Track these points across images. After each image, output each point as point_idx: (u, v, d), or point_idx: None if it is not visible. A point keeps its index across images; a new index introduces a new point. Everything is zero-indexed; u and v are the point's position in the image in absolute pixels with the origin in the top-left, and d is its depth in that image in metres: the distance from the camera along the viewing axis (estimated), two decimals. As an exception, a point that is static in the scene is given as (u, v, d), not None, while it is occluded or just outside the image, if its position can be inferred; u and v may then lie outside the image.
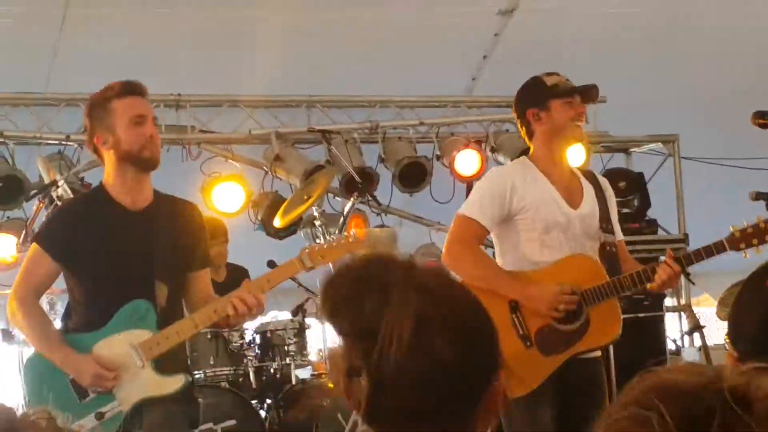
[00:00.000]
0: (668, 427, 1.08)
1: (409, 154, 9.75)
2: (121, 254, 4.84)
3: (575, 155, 9.63)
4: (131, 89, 4.96)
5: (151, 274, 4.81)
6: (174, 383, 4.78)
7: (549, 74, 5.38)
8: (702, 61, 9.72)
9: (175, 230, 4.92)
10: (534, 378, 5.09)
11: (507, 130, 10.14)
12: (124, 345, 4.72)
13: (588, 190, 5.42)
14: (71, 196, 7.77)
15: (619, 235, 5.52)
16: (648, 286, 5.22)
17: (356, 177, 9.02)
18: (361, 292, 1.81)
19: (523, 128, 5.40)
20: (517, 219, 5.24)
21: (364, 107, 9.91)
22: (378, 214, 9.87)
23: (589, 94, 5.39)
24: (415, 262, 1.86)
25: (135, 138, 4.85)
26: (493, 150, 9.96)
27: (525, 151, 5.69)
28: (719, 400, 1.10)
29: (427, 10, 9.17)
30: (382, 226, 9.95)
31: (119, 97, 4.91)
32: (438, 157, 9.87)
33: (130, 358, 4.71)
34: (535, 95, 5.34)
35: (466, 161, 9.72)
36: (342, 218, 8.82)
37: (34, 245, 4.96)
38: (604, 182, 5.58)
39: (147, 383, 4.72)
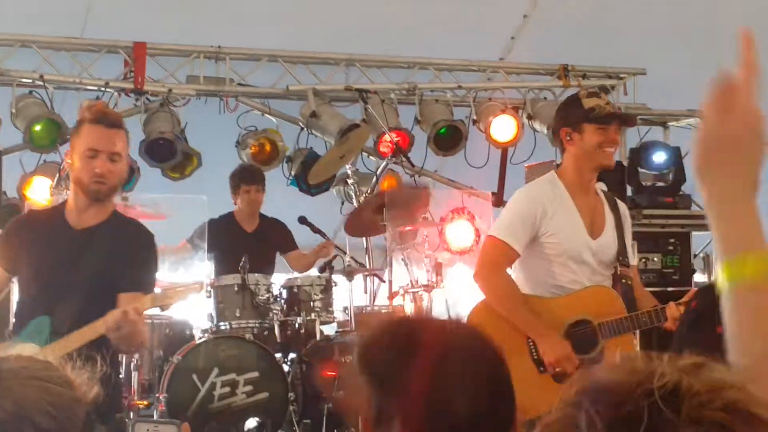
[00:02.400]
0: (596, 428, 1.06)
1: (445, 117, 9.73)
2: (51, 270, 4.88)
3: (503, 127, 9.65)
4: (101, 119, 4.93)
5: (73, 291, 4.81)
6: None
7: (591, 95, 5.45)
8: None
9: (112, 251, 4.90)
10: (543, 403, 5.15)
11: (545, 98, 10.10)
12: None
13: (609, 219, 5.52)
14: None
15: (632, 260, 5.64)
16: (663, 324, 5.27)
17: (391, 137, 9.01)
18: (394, 355, 1.92)
19: (557, 144, 5.56)
20: (542, 242, 5.35)
21: (403, 68, 9.89)
22: (411, 176, 9.86)
23: (625, 122, 5.54)
24: (444, 324, 2.02)
25: (85, 170, 4.87)
26: (529, 117, 9.93)
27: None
28: (648, 401, 1.07)
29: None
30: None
31: (90, 122, 4.90)
32: (474, 122, 9.85)
33: None
34: (571, 115, 5.42)
35: (502, 127, 9.69)
36: (375, 178, 8.84)
37: None
38: (624, 210, 5.67)
39: None
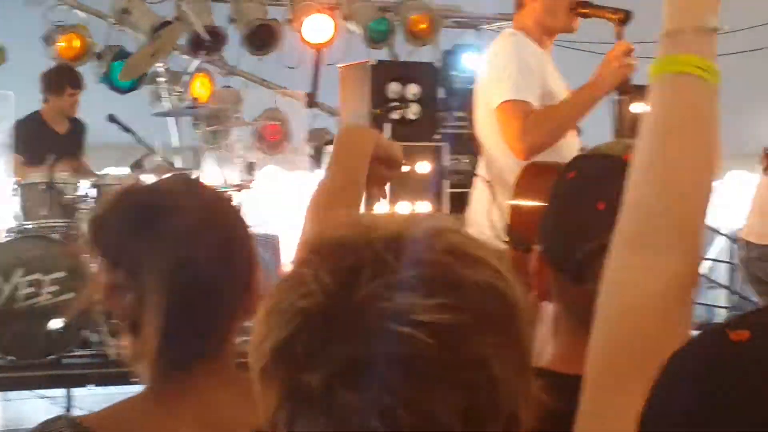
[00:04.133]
0: (323, 283, 1.09)
1: (260, 16, 9.62)
2: None
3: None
4: None
5: None
6: None
7: None
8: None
9: None
10: None
11: (361, -2, 10.08)
12: None
13: None
14: None
15: None
16: None
17: (204, 35, 8.89)
18: (125, 225, 1.84)
19: None
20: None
21: (218, -36, 9.72)
22: (224, 75, 9.77)
23: None
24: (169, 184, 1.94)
25: None
26: (345, 17, 9.88)
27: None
28: (370, 249, 1.10)
29: None
30: (228, 87, 9.87)
31: None
32: (290, 21, 9.76)
33: None
34: None
35: (317, 27, 9.61)
36: (188, 77, 8.74)
37: None
38: None
39: None
